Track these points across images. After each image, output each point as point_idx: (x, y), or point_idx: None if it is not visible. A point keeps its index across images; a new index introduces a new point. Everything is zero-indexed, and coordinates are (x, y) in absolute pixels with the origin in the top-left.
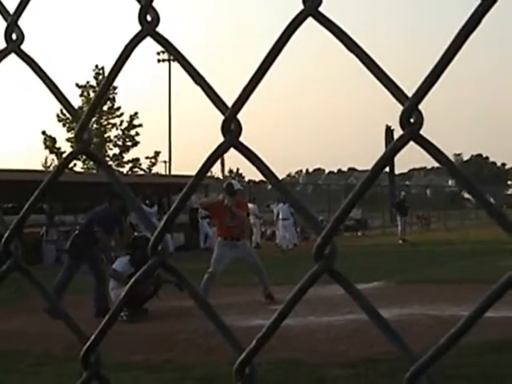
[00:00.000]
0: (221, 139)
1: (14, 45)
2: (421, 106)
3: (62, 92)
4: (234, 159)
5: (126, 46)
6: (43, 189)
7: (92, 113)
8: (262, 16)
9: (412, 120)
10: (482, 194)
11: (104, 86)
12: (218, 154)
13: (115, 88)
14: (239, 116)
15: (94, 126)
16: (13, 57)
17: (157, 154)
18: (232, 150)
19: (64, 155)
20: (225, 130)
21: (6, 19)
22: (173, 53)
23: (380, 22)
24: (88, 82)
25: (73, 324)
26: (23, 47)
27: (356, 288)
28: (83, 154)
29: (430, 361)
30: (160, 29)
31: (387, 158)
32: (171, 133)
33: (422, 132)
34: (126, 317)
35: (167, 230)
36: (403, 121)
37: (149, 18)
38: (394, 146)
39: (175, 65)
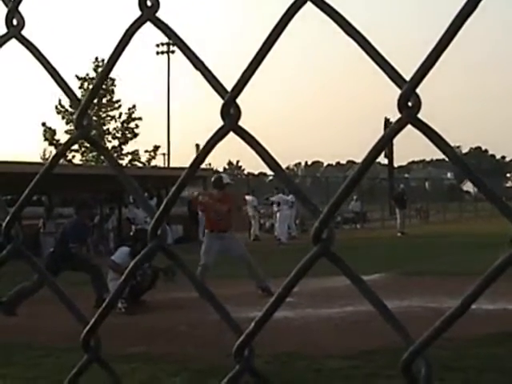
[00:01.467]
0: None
1: (15, 30)
2: (420, 99)
3: (63, 78)
4: (234, 151)
5: (126, 31)
6: (43, 175)
7: (92, 99)
8: (261, 1)
9: (410, 104)
10: (480, 180)
11: (104, 72)
12: (217, 138)
13: (114, 80)
14: (238, 101)
15: (94, 118)
16: (13, 49)
17: (156, 148)
18: (232, 142)
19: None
20: (224, 114)
21: (6, 5)
22: (173, 38)
23: (378, 5)
24: (87, 75)
25: (74, 308)
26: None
27: (353, 270)
28: (83, 139)
29: (427, 343)
30: (160, 15)
31: (385, 141)
32: (170, 125)
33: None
34: (125, 309)
35: (167, 214)
36: (401, 104)
37: (149, 3)
38: (392, 129)
39: (174, 57)
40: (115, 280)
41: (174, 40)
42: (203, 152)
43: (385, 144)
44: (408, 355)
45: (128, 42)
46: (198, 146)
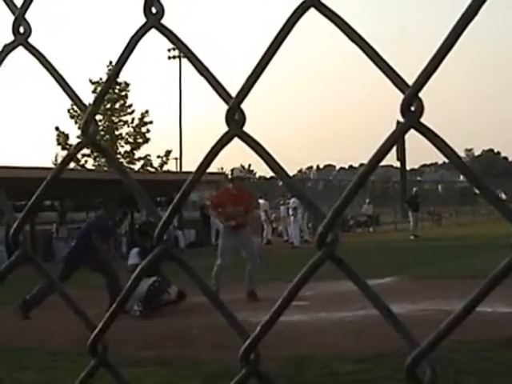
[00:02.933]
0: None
1: (22, 38)
2: (433, 102)
3: (70, 85)
4: (246, 156)
5: (131, 38)
6: (50, 182)
7: (98, 106)
8: (266, 7)
9: (413, 108)
10: (484, 185)
11: (110, 79)
12: (222, 144)
13: (128, 85)
14: (244, 106)
15: (106, 123)
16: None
17: (168, 152)
18: (244, 146)
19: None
20: (229, 119)
21: (13, 13)
22: (177, 44)
23: (381, 10)
24: (101, 79)
25: (81, 313)
26: (35, 42)
27: (358, 275)
28: (90, 145)
29: (431, 346)
30: (166, 21)
31: (389, 146)
32: (182, 129)
33: (424, 121)
34: (140, 312)
35: (173, 219)
36: (404, 109)
37: (154, 10)
38: (394, 134)
39: (186, 61)
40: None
41: (179, 46)
42: (208, 158)
43: (388, 148)
44: (412, 359)
45: (133, 49)
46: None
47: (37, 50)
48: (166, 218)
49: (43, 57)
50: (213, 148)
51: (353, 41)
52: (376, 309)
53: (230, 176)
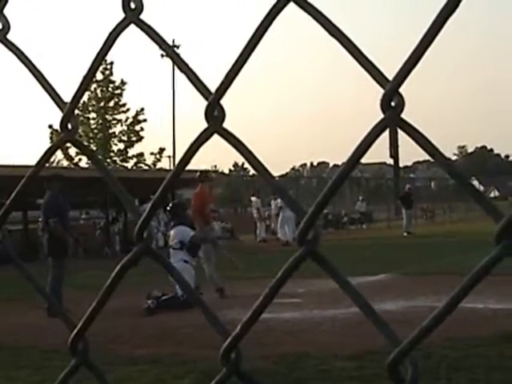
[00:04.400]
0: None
1: (0, 34)
2: (427, 99)
3: (49, 81)
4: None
5: (110, 35)
6: (26, 182)
7: (77, 102)
8: (247, 1)
9: (393, 104)
10: (467, 181)
11: (88, 75)
12: (201, 141)
13: (124, 83)
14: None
15: (100, 121)
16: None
17: (161, 150)
18: None
19: (69, 150)
20: (208, 116)
21: None
22: (157, 40)
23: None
24: (95, 77)
25: (61, 312)
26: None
27: (338, 271)
28: (69, 142)
29: (414, 343)
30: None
31: (369, 142)
32: (175, 127)
33: (405, 117)
34: (152, 306)
35: (152, 216)
36: (384, 104)
37: (132, 5)
38: (374, 130)
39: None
40: (181, 261)
41: (159, 42)
42: (187, 155)
43: (368, 145)
44: (395, 356)
45: (111, 45)
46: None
47: (15, 46)
48: (146, 216)
49: (22, 53)
50: (191, 145)
51: (332, 35)
52: (357, 306)
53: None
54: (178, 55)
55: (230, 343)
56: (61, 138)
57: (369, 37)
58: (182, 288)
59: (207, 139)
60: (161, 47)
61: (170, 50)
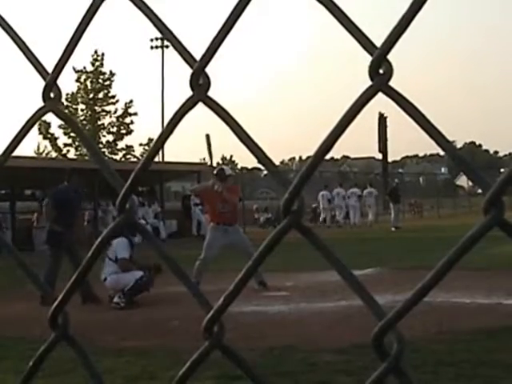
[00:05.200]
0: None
1: None
2: (416, 94)
3: (32, 51)
4: (227, 146)
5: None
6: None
7: (59, 71)
8: None
9: (381, 71)
10: (458, 154)
11: (69, 45)
12: (185, 110)
13: (113, 75)
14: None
15: (89, 113)
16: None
17: (150, 140)
18: (226, 137)
19: (57, 141)
20: (193, 84)
21: None
22: (141, 7)
23: None
24: (85, 68)
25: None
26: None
27: (324, 243)
28: (51, 111)
29: (399, 316)
30: None
31: (356, 109)
32: (164, 120)
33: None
34: (124, 304)
35: (133, 188)
36: (372, 72)
37: None
38: (363, 97)
39: (168, 51)
40: (115, 274)
41: (143, 9)
42: (171, 123)
43: (356, 112)
44: (379, 329)
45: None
46: (207, 136)
47: None
48: (128, 186)
49: (3, 20)
50: (176, 113)
51: (320, 1)
52: (340, 276)
53: (221, 174)
54: (162, 22)
55: (212, 316)
56: (43, 106)
57: (356, 4)
58: (165, 260)
59: (192, 108)
60: (145, 14)
61: (155, 18)
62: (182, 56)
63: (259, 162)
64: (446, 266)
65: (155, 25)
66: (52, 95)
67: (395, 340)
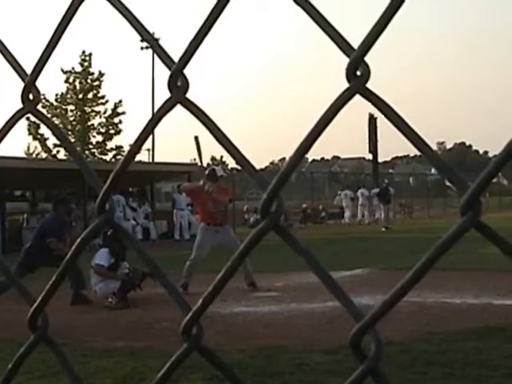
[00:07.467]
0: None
1: None
2: (406, 94)
3: (11, 52)
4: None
5: None
6: None
7: (38, 73)
8: None
9: (358, 73)
10: (434, 153)
11: (49, 46)
12: (163, 111)
13: (102, 75)
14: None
15: (78, 113)
16: None
17: None
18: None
19: (47, 141)
20: (171, 85)
21: None
22: (119, 8)
23: None
24: (73, 68)
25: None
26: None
27: (301, 245)
28: (29, 113)
29: (377, 317)
30: None
31: (333, 111)
32: None
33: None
34: (116, 303)
35: (114, 185)
36: (349, 74)
37: None
38: (339, 100)
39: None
40: (101, 282)
41: (122, 12)
42: (150, 125)
43: (333, 114)
44: (357, 331)
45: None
46: (196, 137)
47: None
48: (107, 188)
49: None
50: (154, 116)
51: (297, 3)
52: (317, 277)
53: (212, 175)
54: (143, 26)
55: (191, 318)
56: (22, 108)
57: (335, 6)
58: (144, 260)
59: (170, 110)
60: (125, 17)
61: (135, 22)
62: (160, 57)
63: (237, 162)
64: (425, 264)
65: (134, 26)
66: (31, 97)
67: (373, 342)
